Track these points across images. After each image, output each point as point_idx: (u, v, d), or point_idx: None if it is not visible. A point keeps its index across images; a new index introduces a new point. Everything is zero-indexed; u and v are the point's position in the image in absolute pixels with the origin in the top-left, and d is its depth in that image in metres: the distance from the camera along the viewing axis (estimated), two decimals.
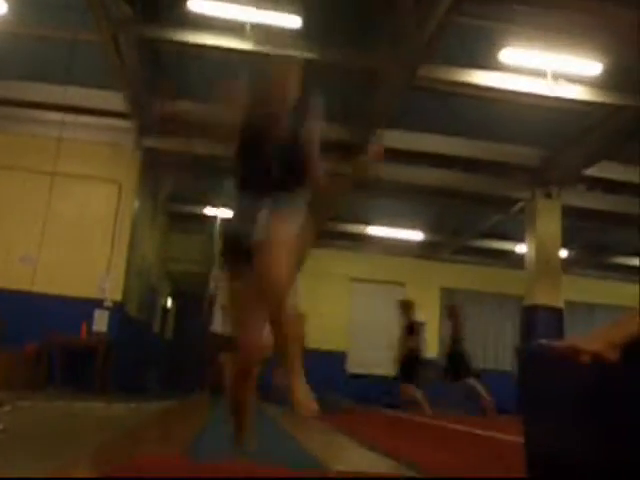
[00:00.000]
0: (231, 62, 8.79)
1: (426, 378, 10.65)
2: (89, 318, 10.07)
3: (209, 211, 14.81)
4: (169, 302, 17.69)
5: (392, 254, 16.86)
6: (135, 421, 5.87)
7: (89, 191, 10.61)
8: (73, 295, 10.02)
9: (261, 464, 2.88)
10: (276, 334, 2.96)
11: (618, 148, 10.11)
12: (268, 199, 3.04)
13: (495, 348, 17.53)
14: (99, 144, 10.74)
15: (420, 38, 7.57)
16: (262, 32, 8.12)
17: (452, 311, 10.85)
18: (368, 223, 15.48)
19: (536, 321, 11.11)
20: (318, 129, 3.32)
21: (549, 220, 11.52)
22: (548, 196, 11.57)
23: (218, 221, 14.54)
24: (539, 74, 8.66)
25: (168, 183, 14.22)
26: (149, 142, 10.90)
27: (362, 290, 16.64)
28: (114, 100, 10.06)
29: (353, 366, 15.69)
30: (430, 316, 17.26)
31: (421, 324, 9.65)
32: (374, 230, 15.63)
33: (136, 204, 10.94)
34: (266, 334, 3.39)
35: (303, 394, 2.86)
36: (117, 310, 10.28)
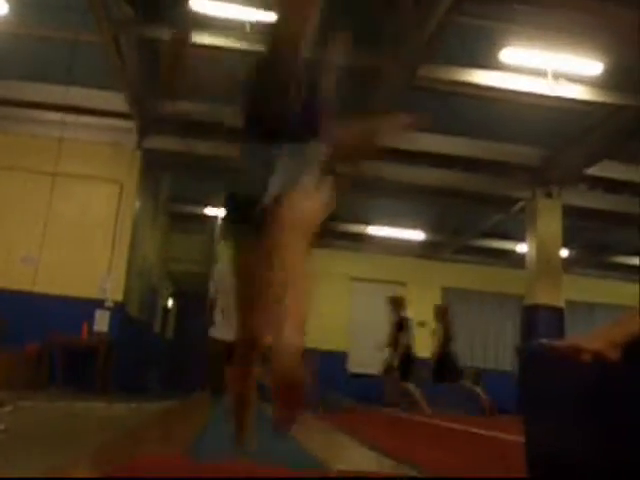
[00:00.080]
0: (232, 62, 8.79)
1: (422, 377, 10.66)
2: (90, 318, 10.08)
3: (210, 211, 14.81)
4: (170, 302, 17.69)
5: (393, 254, 16.86)
6: (136, 421, 5.87)
7: (90, 191, 10.62)
8: (74, 295, 10.02)
9: (261, 464, 2.88)
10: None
11: (619, 147, 10.11)
12: (283, 149, 2.65)
13: (496, 348, 17.52)
14: (100, 144, 10.75)
15: (420, 38, 7.58)
16: (262, 32, 8.12)
17: (441, 312, 10.84)
18: (369, 223, 15.48)
19: (537, 321, 11.10)
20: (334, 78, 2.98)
21: (550, 220, 11.52)
22: (549, 196, 11.57)
23: (218, 220, 14.56)
24: (540, 74, 8.67)
25: (169, 183, 14.24)
26: (150, 142, 10.91)
27: (363, 290, 16.63)
28: (115, 100, 10.07)
29: (354, 366, 15.69)
30: (431, 316, 17.27)
31: (409, 320, 9.65)
32: (375, 230, 15.63)
33: (137, 204, 10.94)
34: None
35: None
36: (118, 310, 10.28)
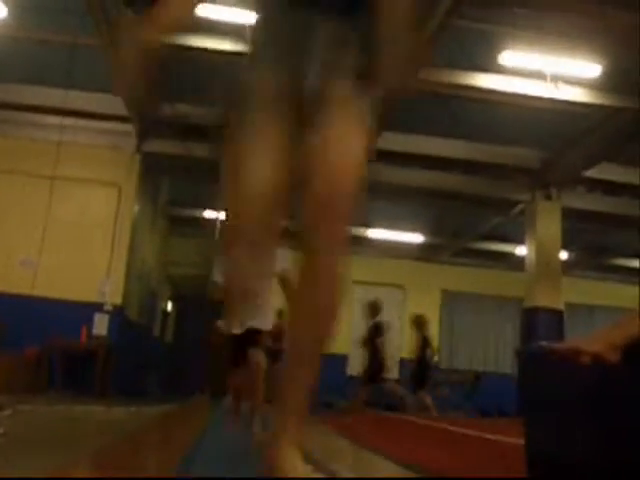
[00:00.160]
0: (231, 65, 8.80)
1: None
2: (89, 322, 10.07)
3: (209, 215, 14.81)
4: (169, 306, 17.69)
5: (392, 257, 16.86)
6: (135, 425, 5.86)
7: (89, 195, 10.61)
8: (73, 299, 10.01)
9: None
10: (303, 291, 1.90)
11: (618, 150, 10.12)
12: (324, 26, 1.97)
13: (495, 350, 17.52)
14: (99, 148, 10.75)
15: (420, 41, 7.58)
16: None
17: (418, 321, 10.88)
18: (368, 226, 15.47)
19: (536, 323, 11.10)
20: None
21: (549, 222, 11.52)
22: (548, 198, 11.57)
23: (218, 223, 14.56)
24: (539, 77, 8.67)
25: (168, 187, 14.24)
26: (149, 146, 10.91)
27: (362, 293, 16.61)
28: (114, 104, 10.06)
29: (354, 369, 15.68)
30: (430, 319, 17.26)
31: (384, 325, 9.65)
32: (374, 233, 15.62)
33: (136, 208, 10.94)
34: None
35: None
36: (117, 314, 10.28)
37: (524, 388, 2.24)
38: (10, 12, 8.27)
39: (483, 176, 11.76)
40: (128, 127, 10.65)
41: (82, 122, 10.50)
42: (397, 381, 11.81)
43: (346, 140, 1.88)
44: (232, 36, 8.20)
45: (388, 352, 9.48)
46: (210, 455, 3.72)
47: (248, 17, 7.88)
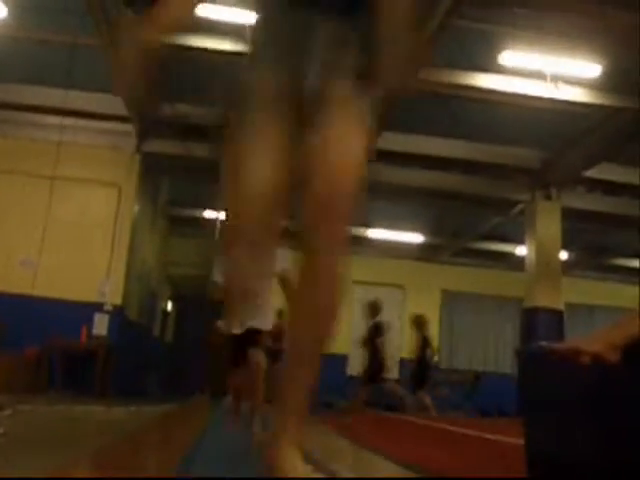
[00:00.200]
0: (231, 64, 8.80)
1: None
2: (89, 322, 10.07)
3: (209, 215, 14.81)
4: (169, 306, 17.69)
5: (392, 257, 16.86)
6: (135, 425, 5.86)
7: (89, 195, 10.61)
8: (73, 299, 10.01)
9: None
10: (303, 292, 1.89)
11: (618, 150, 10.12)
12: (324, 26, 1.97)
13: (495, 350, 17.52)
14: (99, 148, 10.75)
15: (420, 41, 7.57)
16: None
17: (418, 321, 10.89)
18: (368, 226, 15.46)
19: (536, 323, 11.10)
20: None
21: (549, 222, 11.52)
22: (548, 198, 11.57)
23: (218, 223, 14.55)
24: (539, 76, 8.67)
25: (168, 187, 14.24)
26: (149, 146, 10.91)
27: (363, 293, 16.61)
28: (114, 104, 10.06)
29: (354, 369, 15.67)
30: (431, 319, 17.26)
31: (384, 325, 9.63)
32: (374, 233, 15.62)
33: (136, 208, 10.94)
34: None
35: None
36: (117, 314, 10.28)
37: (524, 388, 2.24)
38: (10, 12, 8.27)
39: (483, 176, 11.76)
40: (128, 127, 10.65)
41: (82, 122, 10.50)
42: (397, 381, 11.80)
43: (346, 140, 1.86)
44: (232, 36, 8.20)
45: (388, 352, 9.47)
46: (210, 455, 3.72)
47: (248, 17, 7.88)
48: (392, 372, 10.77)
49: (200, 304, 12.45)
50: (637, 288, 14.25)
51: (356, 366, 10.77)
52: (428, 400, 10.24)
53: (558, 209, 11.57)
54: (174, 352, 17.11)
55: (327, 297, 1.86)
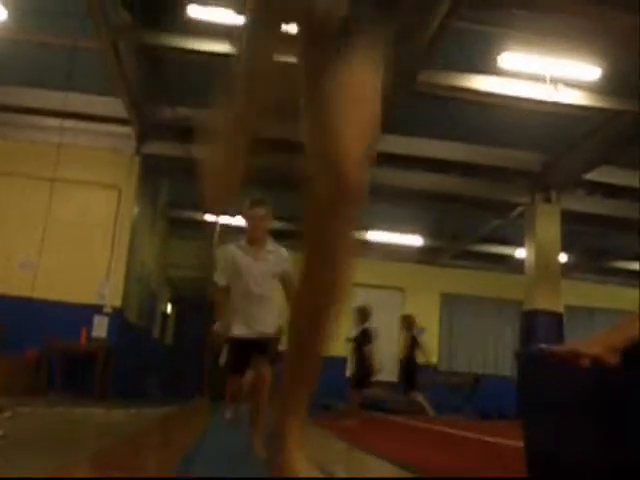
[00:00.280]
0: (231, 67, 8.81)
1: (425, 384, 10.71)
2: (89, 324, 10.06)
3: (208, 217, 14.80)
4: (169, 308, 17.68)
5: (392, 259, 16.86)
6: (135, 427, 5.86)
7: (89, 197, 10.62)
8: (73, 301, 10.01)
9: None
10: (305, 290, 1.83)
11: (617, 153, 10.12)
12: None
13: (495, 353, 17.52)
14: (99, 150, 10.75)
15: (419, 43, 7.59)
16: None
17: (407, 321, 10.89)
18: (367, 228, 15.47)
19: (536, 326, 11.10)
20: None
21: (549, 225, 11.52)
22: (547, 201, 11.57)
23: (217, 227, 14.55)
24: (538, 79, 8.68)
25: (167, 189, 14.24)
26: (149, 148, 10.92)
27: (362, 296, 16.59)
28: (114, 106, 10.07)
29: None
30: (430, 322, 17.26)
31: (372, 331, 9.58)
32: (374, 235, 15.62)
33: (135, 210, 10.94)
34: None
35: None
36: (117, 316, 10.27)
37: (524, 391, 2.24)
38: (10, 15, 8.28)
39: (483, 179, 11.76)
40: (128, 129, 10.65)
41: (82, 124, 10.50)
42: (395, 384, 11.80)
43: (364, 99, 1.76)
44: (231, 39, 8.21)
45: (377, 357, 9.40)
46: (210, 456, 3.72)
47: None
48: (384, 375, 10.74)
49: (199, 306, 12.46)
50: (637, 291, 14.26)
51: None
52: (421, 399, 10.26)
53: (558, 212, 11.57)
54: (174, 354, 17.10)
55: (328, 298, 1.81)
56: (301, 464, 1.75)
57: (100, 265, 10.38)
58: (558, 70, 8.48)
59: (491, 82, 8.77)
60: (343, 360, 13.92)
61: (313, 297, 1.83)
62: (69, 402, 7.68)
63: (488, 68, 8.60)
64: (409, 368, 10.52)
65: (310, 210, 1.80)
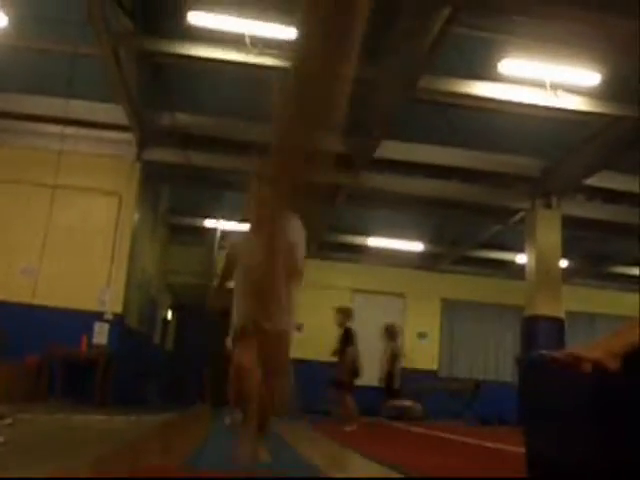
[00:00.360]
0: (231, 74, 8.83)
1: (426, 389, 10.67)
2: (89, 330, 10.05)
3: (209, 223, 14.82)
4: (169, 314, 17.67)
5: (392, 265, 16.87)
6: (135, 434, 5.85)
7: (90, 203, 10.62)
8: (74, 307, 10.00)
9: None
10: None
11: (617, 158, 10.13)
12: None
13: (496, 359, 17.50)
14: (99, 157, 10.76)
15: (419, 49, 7.60)
16: (261, 44, 8.15)
17: (390, 331, 10.87)
18: (368, 234, 15.49)
19: (537, 331, 11.09)
20: None
21: (549, 230, 11.53)
22: (548, 206, 11.58)
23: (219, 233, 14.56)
24: (538, 85, 8.69)
25: (168, 195, 14.26)
26: (149, 154, 10.93)
27: (363, 301, 16.62)
28: (114, 113, 10.08)
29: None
30: (431, 327, 17.27)
31: (355, 332, 9.54)
32: (374, 241, 15.63)
33: (136, 216, 10.95)
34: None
35: None
36: (117, 322, 10.26)
37: (525, 396, 2.23)
38: (11, 21, 8.29)
39: (483, 184, 11.77)
40: (128, 136, 10.66)
41: (83, 131, 10.51)
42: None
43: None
44: (232, 46, 8.22)
45: (361, 359, 9.36)
46: (210, 462, 3.71)
47: (247, 26, 7.92)
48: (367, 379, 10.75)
49: (200, 312, 12.44)
50: (637, 296, 14.25)
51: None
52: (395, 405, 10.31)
53: (558, 217, 11.58)
54: (174, 360, 17.07)
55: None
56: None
57: (101, 271, 10.38)
58: (558, 76, 8.49)
59: (491, 88, 8.78)
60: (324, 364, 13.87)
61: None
62: (69, 409, 7.67)
63: (488, 74, 8.61)
64: (390, 378, 10.54)
65: None
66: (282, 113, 2.04)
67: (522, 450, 2.08)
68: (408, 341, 16.99)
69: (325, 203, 11.72)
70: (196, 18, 7.78)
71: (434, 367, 16.95)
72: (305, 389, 9.05)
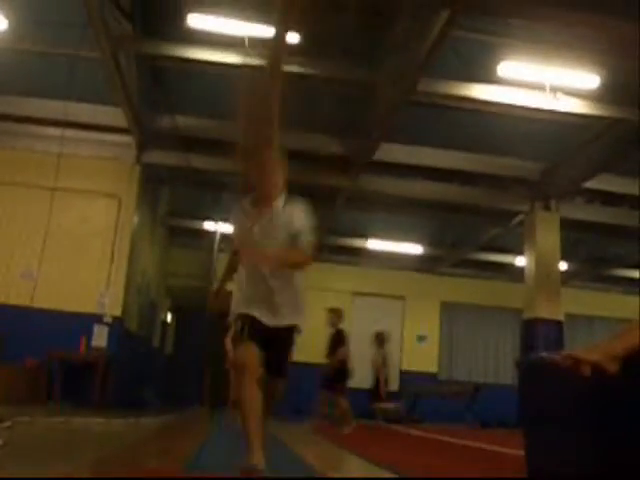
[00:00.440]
0: (230, 77, 8.83)
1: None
2: (88, 333, 10.05)
3: (208, 226, 14.82)
4: (169, 317, 17.66)
5: (392, 268, 16.87)
6: (134, 436, 5.85)
7: (89, 206, 10.61)
8: (73, 310, 9.99)
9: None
10: None
11: (617, 160, 10.13)
12: None
13: (495, 361, 17.50)
14: (99, 159, 10.76)
15: (419, 52, 7.60)
16: (260, 47, 8.15)
17: (380, 338, 10.87)
18: (368, 237, 15.48)
19: (536, 334, 11.09)
20: None
21: (548, 233, 11.53)
22: (547, 209, 11.59)
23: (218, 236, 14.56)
24: (537, 87, 8.69)
25: (168, 198, 14.26)
26: (149, 157, 10.93)
27: (363, 304, 16.63)
28: (114, 116, 10.09)
29: (354, 380, 15.62)
30: (430, 330, 17.27)
31: (346, 333, 9.50)
32: (374, 244, 15.63)
33: (136, 219, 10.94)
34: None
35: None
36: (116, 325, 10.25)
37: (524, 399, 2.23)
38: (11, 25, 8.30)
39: (482, 187, 11.77)
40: (128, 139, 10.66)
41: (82, 134, 10.52)
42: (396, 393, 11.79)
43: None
44: (231, 49, 8.23)
45: (352, 361, 9.34)
46: (210, 464, 3.71)
47: (246, 29, 7.92)
48: (366, 382, 10.75)
49: (200, 315, 12.45)
50: (637, 299, 14.25)
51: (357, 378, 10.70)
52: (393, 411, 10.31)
53: (557, 220, 11.58)
54: (173, 363, 17.06)
55: None
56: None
57: (100, 274, 10.37)
58: (557, 78, 8.50)
59: (491, 91, 8.78)
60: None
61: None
62: (69, 411, 7.66)
63: (488, 77, 8.61)
64: (377, 382, 10.56)
65: None
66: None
67: (521, 453, 2.08)
68: (408, 344, 17.00)
69: (324, 206, 11.72)
70: (195, 21, 7.79)
71: (434, 370, 16.95)
72: (300, 391, 9.07)
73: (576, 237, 13.16)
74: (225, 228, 14.29)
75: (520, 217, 12.18)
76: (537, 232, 11.54)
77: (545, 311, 11.11)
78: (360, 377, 10.20)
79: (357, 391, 10.16)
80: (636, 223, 11.18)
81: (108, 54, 8.10)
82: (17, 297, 9.93)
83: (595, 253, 15.42)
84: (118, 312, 10.34)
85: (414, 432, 9.28)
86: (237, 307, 3.29)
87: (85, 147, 10.67)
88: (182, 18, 7.77)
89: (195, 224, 15.01)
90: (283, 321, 3.27)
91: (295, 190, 3.38)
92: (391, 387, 11.85)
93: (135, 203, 10.84)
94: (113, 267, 10.46)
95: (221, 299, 3.66)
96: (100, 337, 10.10)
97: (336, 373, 8.88)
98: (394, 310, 16.90)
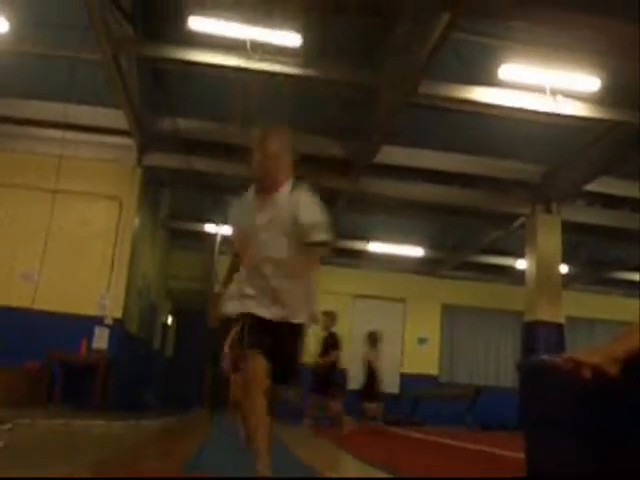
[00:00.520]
0: (232, 79, 8.84)
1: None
2: (89, 335, 10.05)
3: (210, 228, 14.82)
4: (169, 319, 17.66)
5: (393, 270, 16.86)
6: (135, 438, 5.85)
7: (90, 208, 10.61)
8: (73, 312, 10.00)
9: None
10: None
11: (617, 163, 10.13)
12: None
13: (496, 364, 17.48)
14: (100, 161, 10.77)
15: (420, 55, 7.61)
16: (262, 50, 8.16)
17: (373, 337, 10.84)
18: (368, 240, 15.48)
19: (537, 337, 11.08)
20: None
21: (549, 235, 11.52)
22: (548, 212, 11.58)
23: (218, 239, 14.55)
24: (538, 90, 8.69)
25: (168, 200, 14.26)
26: (150, 159, 10.94)
27: (364, 306, 16.62)
28: (115, 118, 10.09)
29: (355, 383, 15.60)
30: (431, 332, 17.25)
31: (338, 336, 9.46)
32: (375, 247, 15.63)
33: (136, 221, 10.94)
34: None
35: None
36: (117, 327, 10.25)
37: (525, 401, 2.23)
38: (12, 27, 8.30)
39: (483, 190, 11.77)
40: (129, 141, 10.67)
41: (83, 136, 10.53)
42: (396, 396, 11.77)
43: None
44: (232, 52, 8.23)
45: (345, 363, 9.29)
46: (209, 466, 3.71)
47: (248, 32, 7.92)
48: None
49: (200, 318, 12.44)
50: (638, 301, 14.24)
51: (356, 380, 10.69)
52: (374, 411, 10.24)
53: (558, 223, 11.58)
54: (174, 365, 17.07)
55: None
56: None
57: (101, 276, 10.37)
58: (558, 81, 8.50)
59: (492, 93, 8.78)
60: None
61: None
62: (69, 413, 7.66)
63: (488, 79, 8.61)
64: (369, 381, 10.51)
65: None
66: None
67: (522, 455, 2.07)
68: (408, 346, 16.99)
69: (325, 208, 11.71)
70: (197, 23, 7.79)
71: (434, 372, 16.93)
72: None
73: (577, 240, 13.15)
74: (226, 230, 14.30)
75: (521, 220, 12.18)
76: (538, 235, 11.54)
77: (546, 314, 11.10)
78: (360, 378, 10.21)
79: (357, 392, 10.18)
80: (637, 226, 11.17)
81: (109, 56, 8.10)
82: (18, 299, 9.94)
83: (596, 256, 15.41)
84: (119, 314, 10.34)
85: (415, 434, 9.28)
86: (231, 304, 3.18)
87: (86, 149, 10.68)
88: (183, 20, 7.77)
89: (196, 227, 15.00)
90: (287, 317, 3.17)
91: None
92: (383, 388, 11.83)
93: (136, 205, 10.85)
94: (114, 269, 10.46)
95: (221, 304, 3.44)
96: (101, 339, 10.10)
97: (327, 376, 8.86)
98: (395, 313, 16.90)
